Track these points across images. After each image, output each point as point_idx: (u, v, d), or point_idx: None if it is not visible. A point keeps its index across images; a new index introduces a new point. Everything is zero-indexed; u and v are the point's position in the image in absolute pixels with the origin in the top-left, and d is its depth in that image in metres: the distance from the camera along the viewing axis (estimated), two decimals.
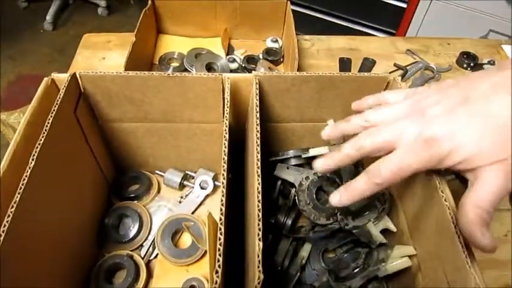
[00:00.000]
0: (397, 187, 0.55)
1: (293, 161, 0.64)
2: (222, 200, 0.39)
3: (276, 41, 0.99)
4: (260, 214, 0.38)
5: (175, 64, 0.93)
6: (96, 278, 0.57)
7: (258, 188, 0.40)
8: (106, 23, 2.47)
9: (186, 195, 0.67)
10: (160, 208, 0.66)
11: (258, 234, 0.37)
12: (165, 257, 0.59)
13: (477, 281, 0.35)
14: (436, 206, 0.43)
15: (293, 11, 0.92)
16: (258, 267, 0.35)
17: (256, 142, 0.44)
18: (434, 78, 0.96)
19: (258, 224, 0.38)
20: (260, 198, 0.39)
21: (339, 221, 0.58)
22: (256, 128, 0.45)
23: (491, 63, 1.01)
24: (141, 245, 0.63)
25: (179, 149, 0.65)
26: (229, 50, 0.98)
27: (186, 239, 0.63)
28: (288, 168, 0.63)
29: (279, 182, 0.64)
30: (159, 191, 0.69)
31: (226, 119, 0.46)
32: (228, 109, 0.48)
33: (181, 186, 0.68)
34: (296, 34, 0.85)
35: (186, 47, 0.94)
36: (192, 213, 0.66)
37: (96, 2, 2.47)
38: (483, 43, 1.10)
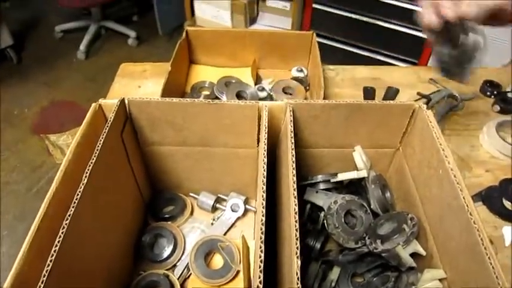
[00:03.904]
0: (426, 211, 0.57)
1: (322, 186, 0.66)
2: (262, 220, 0.42)
3: (301, 70, 1.03)
4: (298, 234, 0.41)
5: (206, 92, 0.97)
6: None
7: (294, 209, 0.43)
8: (135, 53, 2.59)
9: (218, 218, 0.70)
10: (194, 229, 0.69)
11: (296, 253, 0.40)
12: (198, 277, 0.62)
13: None
14: (465, 229, 0.45)
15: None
16: (297, 283, 0.37)
17: (292, 166, 0.47)
18: (457, 107, 0.98)
19: (296, 243, 0.40)
20: (297, 218, 0.42)
21: (368, 245, 0.59)
22: (292, 153, 0.48)
23: None
24: (175, 265, 0.65)
25: (213, 173, 0.68)
26: (257, 79, 1.03)
27: (218, 260, 0.65)
28: (317, 192, 0.66)
29: (308, 206, 0.66)
30: (192, 213, 0.72)
31: (265, 144, 0.49)
32: (266, 135, 0.51)
33: (214, 208, 0.71)
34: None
35: (216, 77, 0.99)
36: (224, 234, 0.68)
37: (127, 33, 2.60)
38: (506, 71, 1.11)
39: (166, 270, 0.64)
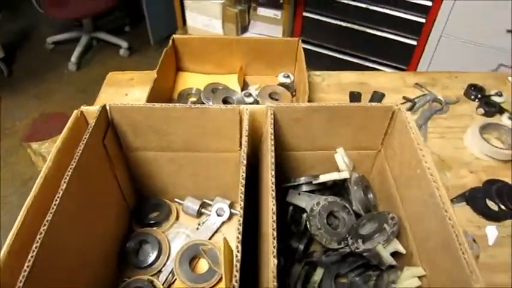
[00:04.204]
0: (406, 210, 0.57)
1: (304, 187, 0.67)
2: (239, 220, 0.42)
3: (288, 76, 1.04)
4: (275, 233, 0.41)
5: (193, 99, 0.98)
6: None
7: (272, 209, 0.43)
8: (127, 63, 2.59)
9: (203, 222, 0.70)
10: (179, 234, 0.69)
11: (273, 252, 0.40)
12: (183, 282, 0.62)
13: None
14: (440, 226, 0.45)
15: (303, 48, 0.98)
16: (274, 282, 0.37)
17: (271, 168, 0.47)
18: (442, 110, 0.99)
19: (273, 242, 0.40)
20: (275, 218, 0.42)
21: (350, 245, 0.60)
22: (271, 155, 0.49)
23: (499, 94, 1.03)
24: (160, 271, 0.65)
25: (197, 178, 0.69)
26: (244, 85, 1.04)
27: (203, 265, 0.66)
28: (299, 194, 0.66)
29: (291, 208, 0.67)
30: (177, 218, 0.72)
31: (245, 147, 0.50)
32: (247, 138, 0.52)
33: (199, 213, 0.72)
34: (307, 70, 0.91)
35: (203, 83, 1.00)
36: (209, 239, 0.68)
37: (119, 43, 2.62)
38: (490, 76, 1.13)
39: (151, 276, 0.64)
